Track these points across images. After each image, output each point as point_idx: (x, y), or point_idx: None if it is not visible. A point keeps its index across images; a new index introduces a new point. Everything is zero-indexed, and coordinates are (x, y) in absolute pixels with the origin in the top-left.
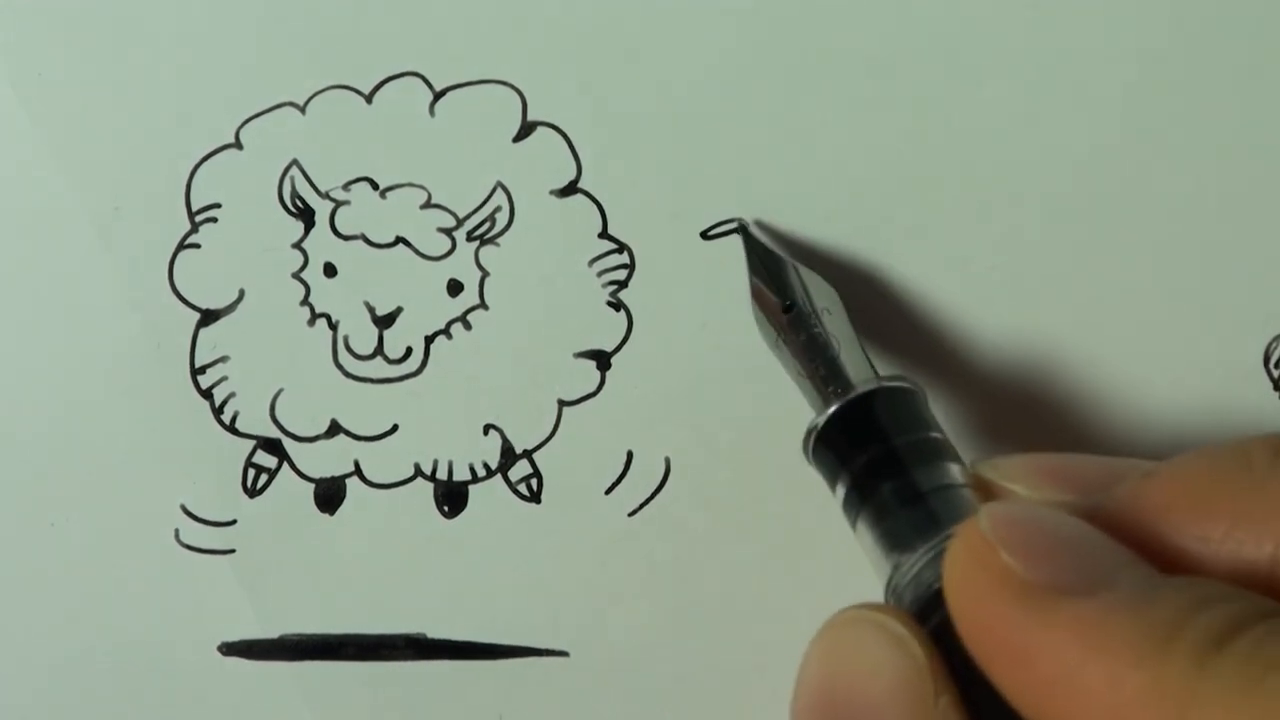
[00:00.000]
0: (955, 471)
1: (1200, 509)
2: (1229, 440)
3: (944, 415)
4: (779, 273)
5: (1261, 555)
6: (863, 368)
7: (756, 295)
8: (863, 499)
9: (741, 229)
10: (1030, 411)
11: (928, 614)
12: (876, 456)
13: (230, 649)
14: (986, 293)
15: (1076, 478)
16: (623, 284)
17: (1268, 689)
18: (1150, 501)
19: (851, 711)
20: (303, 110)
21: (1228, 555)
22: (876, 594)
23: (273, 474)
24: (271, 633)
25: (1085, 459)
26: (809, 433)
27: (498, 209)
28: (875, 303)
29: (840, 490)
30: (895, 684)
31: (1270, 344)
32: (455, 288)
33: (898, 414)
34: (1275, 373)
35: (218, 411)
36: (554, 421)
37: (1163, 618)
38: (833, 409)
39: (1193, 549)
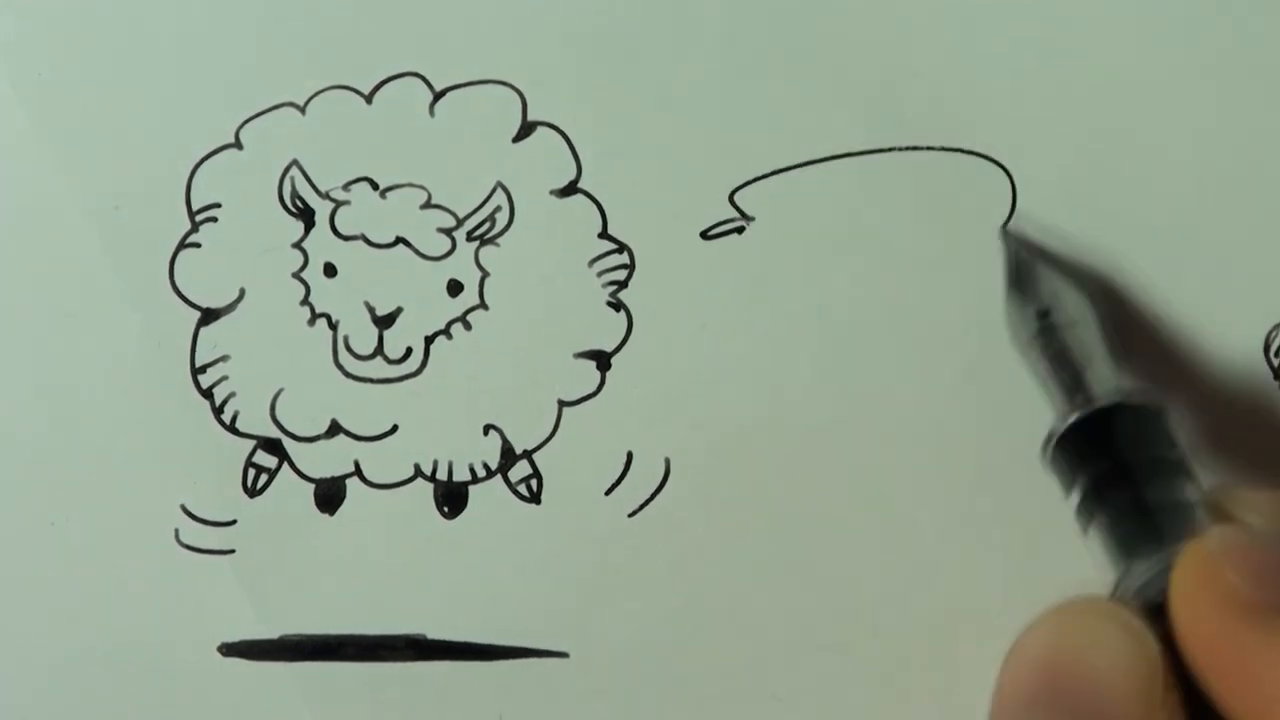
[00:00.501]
0: (1188, 490)
1: None
2: None
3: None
4: (1035, 278)
5: None
6: (1109, 379)
7: (1011, 298)
8: (1096, 507)
9: (1003, 231)
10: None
11: (1155, 620)
12: (1112, 468)
13: (230, 649)
14: (983, 289)
15: None
16: (623, 284)
17: None
18: None
19: (1076, 689)
20: (303, 110)
21: None
22: (874, 592)
23: (273, 474)
24: (271, 633)
25: None
26: (1049, 437)
27: (498, 209)
28: (871, 309)
29: (1075, 496)
30: (1128, 670)
31: (1270, 332)
32: (455, 288)
33: (1138, 429)
34: (1275, 361)
35: (218, 411)
36: (554, 422)
37: None
38: (1073, 419)
39: None
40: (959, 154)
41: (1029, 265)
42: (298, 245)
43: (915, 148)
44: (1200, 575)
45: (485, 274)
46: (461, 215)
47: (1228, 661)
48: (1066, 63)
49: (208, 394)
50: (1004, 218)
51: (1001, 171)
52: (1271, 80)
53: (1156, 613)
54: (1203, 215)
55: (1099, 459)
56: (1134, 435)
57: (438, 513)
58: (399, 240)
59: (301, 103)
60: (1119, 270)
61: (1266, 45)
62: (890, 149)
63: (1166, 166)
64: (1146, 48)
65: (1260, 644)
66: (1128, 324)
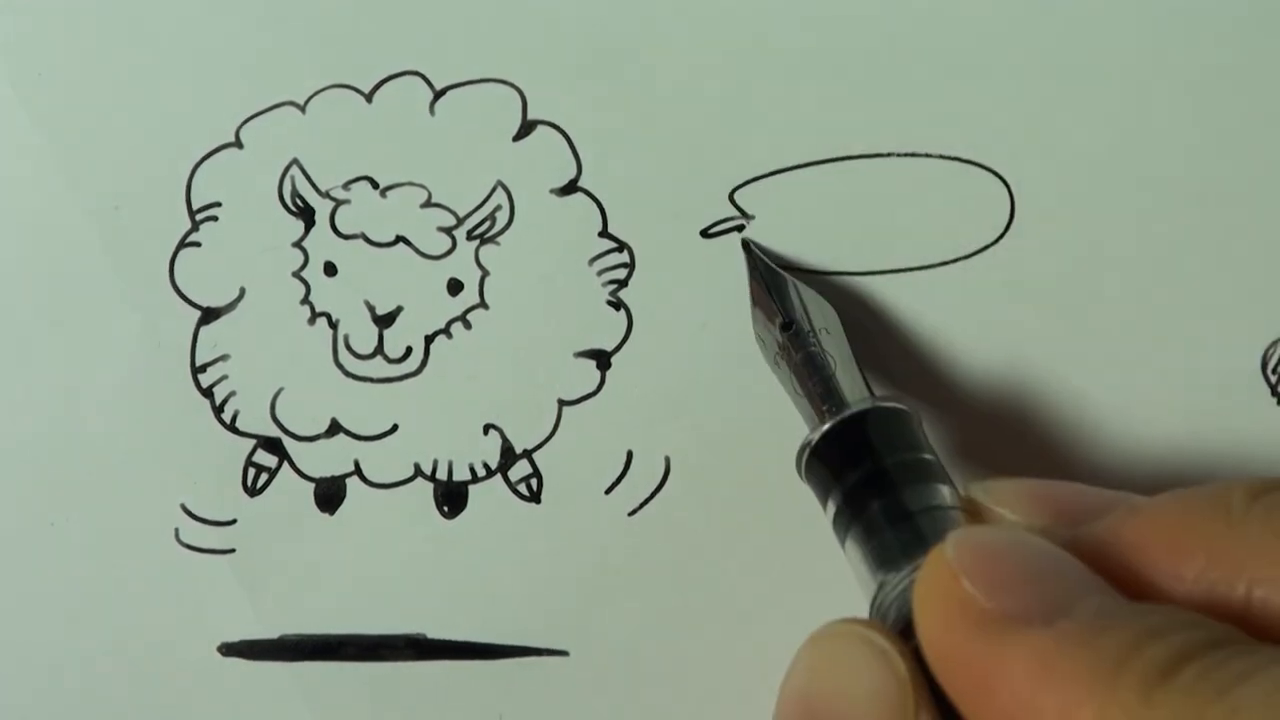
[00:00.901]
0: (945, 493)
1: (1176, 547)
2: (1211, 483)
3: (944, 424)
4: (779, 289)
5: (1234, 595)
6: (858, 387)
7: (756, 311)
8: (852, 517)
9: (744, 244)
10: (1027, 420)
11: (911, 633)
12: (867, 475)
13: (230, 649)
14: (982, 297)
15: (1067, 506)
16: (623, 283)
17: None
18: (1130, 537)
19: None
20: (303, 110)
21: (1201, 594)
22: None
23: (273, 473)
24: (271, 633)
25: (1078, 488)
26: (802, 449)
27: (498, 208)
28: (871, 318)
29: (831, 507)
30: (875, 697)
31: (1268, 350)
32: (455, 287)
33: (890, 434)
34: (1273, 378)
35: (218, 410)
36: (554, 421)
37: (1113, 647)
38: (825, 427)
39: (1167, 586)
40: (957, 162)
41: (772, 276)
42: (298, 244)
43: (914, 154)
44: (939, 587)
45: (485, 273)
46: (462, 214)
47: (967, 674)
48: (1065, 72)
49: (208, 393)
50: (1002, 226)
51: (999, 181)
52: (1270, 94)
53: (913, 625)
54: (1200, 231)
55: (854, 467)
56: (889, 440)
57: (438, 513)
58: (399, 239)
59: (301, 102)
60: (1115, 284)
61: (1265, 59)
62: (890, 154)
63: (1164, 181)
64: (1145, 58)
65: (994, 655)
66: (1122, 336)
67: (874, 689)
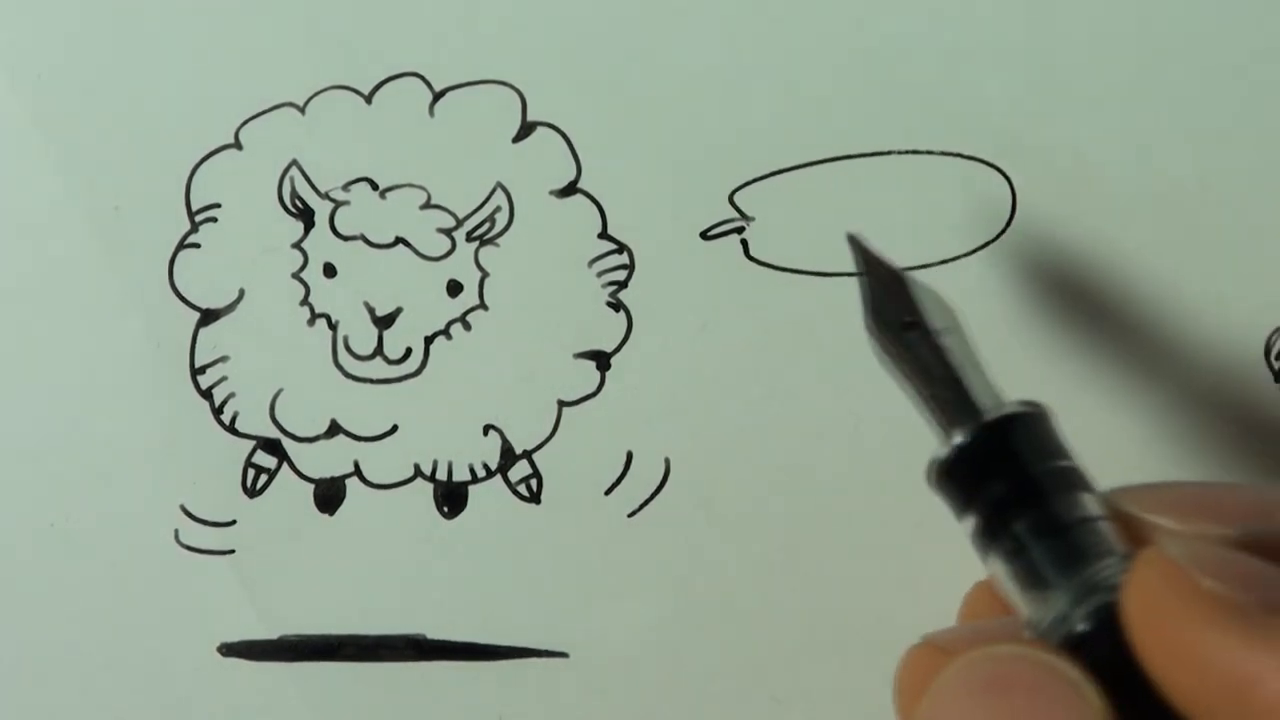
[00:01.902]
0: (1092, 504)
1: None
2: None
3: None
4: (898, 287)
5: None
6: (989, 392)
7: (873, 310)
8: (996, 532)
9: (852, 239)
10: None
11: (1075, 655)
12: (1011, 487)
13: (230, 649)
14: (985, 292)
15: (1222, 508)
16: (623, 284)
17: None
18: None
19: None
20: (303, 110)
21: None
22: (874, 594)
23: (273, 474)
24: (271, 633)
25: (1231, 488)
26: (934, 462)
27: (497, 209)
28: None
29: (970, 522)
30: None
31: (1271, 335)
32: (455, 288)
33: (1032, 441)
34: (1276, 364)
35: (218, 411)
36: (554, 421)
37: None
38: (961, 438)
39: None
40: (958, 158)
41: (889, 274)
42: (297, 245)
43: (915, 151)
44: (1172, 590)
45: (485, 274)
46: (461, 215)
47: (1223, 674)
48: (1065, 67)
49: (207, 394)
50: (1003, 222)
51: (1000, 176)
52: (1271, 83)
53: (1079, 645)
54: (1203, 220)
55: (995, 478)
56: (1031, 448)
57: (438, 513)
58: (399, 240)
59: (301, 103)
60: (1119, 273)
61: (1266, 48)
62: (889, 152)
63: (1165, 170)
64: (1145, 51)
65: (1260, 647)
66: (1126, 329)
67: None
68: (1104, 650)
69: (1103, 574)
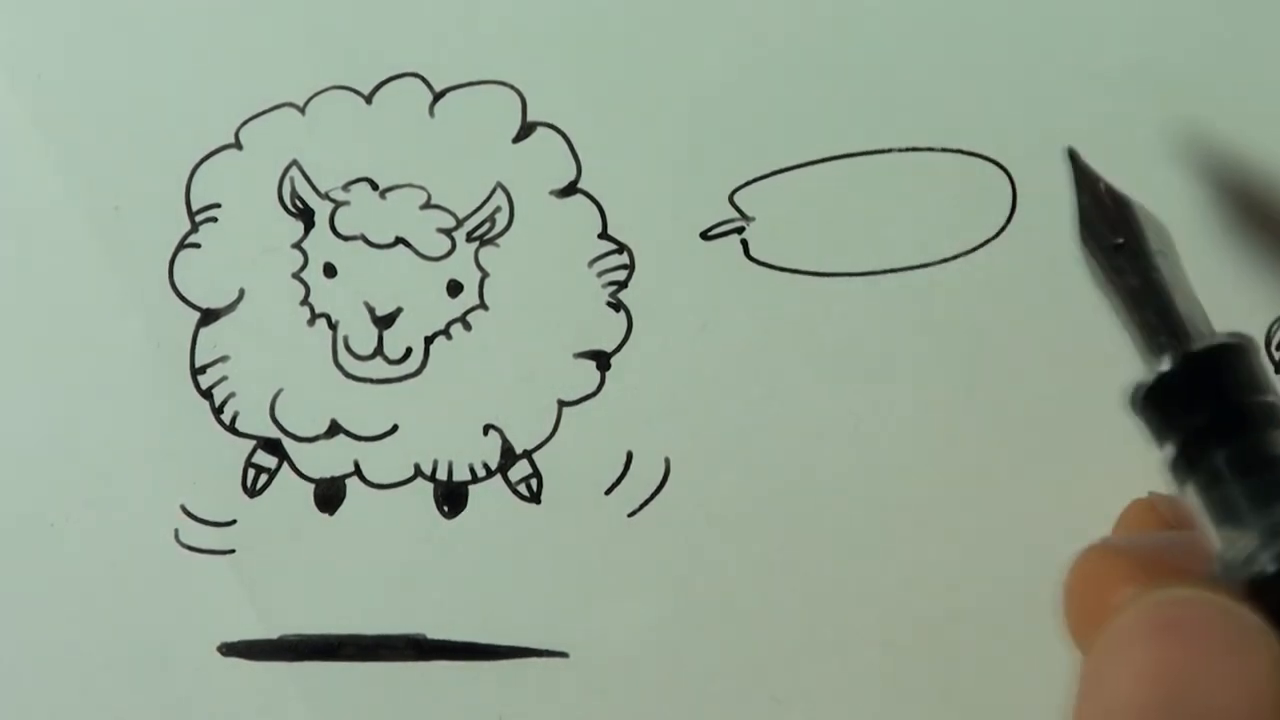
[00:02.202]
0: None
1: None
2: None
3: (952, 426)
4: (1112, 205)
5: None
6: (1199, 319)
7: (1085, 227)
8: (1194, 463)
9: (1071, 154)
10: (1035, 406)
11: (1261, 595)
12: (1215, 418)
13: (230, 649)
14: (986, 289)
15: None
16: (623, 284)
17: None
18: None
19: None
20: (303, 110)
21: None
22: (875, 594)
23: (273, 474)
24: (271, 633)
25: None
26: (1139, 386)
27: (497, 209)
28: (875, 308)
29: (1169, 450)
30: (1258, 687)
31: (1271, 327)
32: (455, 288)
33: (1238, 373)
34: (1277, 356)
35: (218, 411)
36: (554, 421)
37: None
38: (1169, 362)
39: None
40: (959, 155)
41: (1105, 191)
42: (297, 245)
43: (915, 148)
44: None
45: (485, 274)
46: (461, 215)
47: None
48: (1066, 62)
49: (208, 394)
50: (1004, 218)
51: (1001, 172)
52: (1271, 78)
53: (1265, 587)
54: (1203, 211)
55: (1199, 408)
56: (1237, 381)
57: (438, 513)
58: (399, 240)
59: (301, 103)
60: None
61: (1266, 44)
62: (890, 150)
63: (1166, 163)
64: (1145, 46)
65: None
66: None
67: (1256, 679)
68: None
69: None
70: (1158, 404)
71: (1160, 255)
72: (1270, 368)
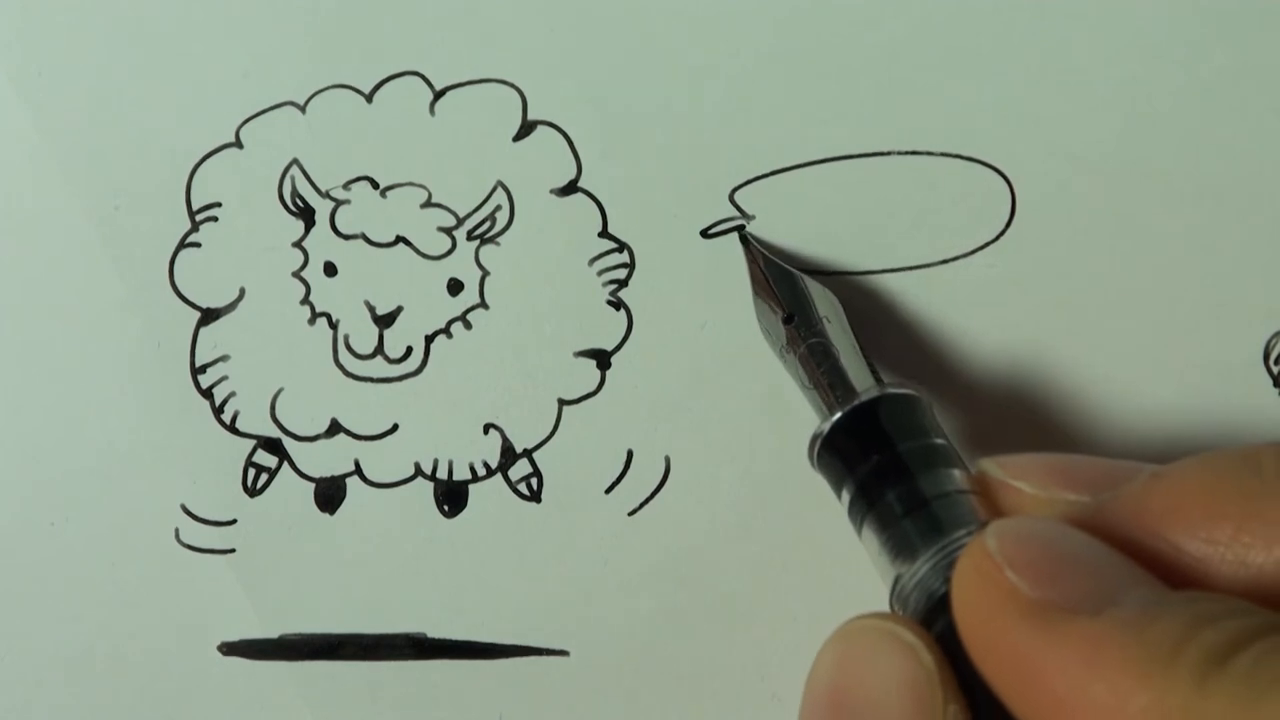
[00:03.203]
0: (958, 478)
1: (1207, 512)
2: (1237, 447)
3: (949, 420)
4: (780, 282)
5: (1269, 560)
6: (865, 375)
7: (759, 304)
8: (867, 506)
9: (742, 237)
10: (1031, 410)
11: (932, 620)
12: (880, 463)
13: (230, 649)
14: (985, 293)
15: (1083, 477)
16: (623, 283)
17: (1267, 708)
18: (1157, 502)
19: (858, 712)
20: (303, 110)
21: (1233, 559)
22: (876, 592)
23: (273, 473)
24: (271, 633)
25: (1091, 460)
26: (814, 440)
27: (498, 208)
28: (873, 316)
29: (845, 497)
30: (905, 690)
31: (1270, 340)
32: (455, 287)
33: (901, 420)
34: (1275, 369)
35: (218, 411)
36: (554, 421)
37: (1166, 635)
38: (836, 417)
39: (1198, 552)
40: (957, 159)
41: (773, 268)
42: (298, 244)
43: (915, 152)
44: (980, 577)
45: (485, 273)
46: (462, 214)
47: (1015, 664)
48: (1065, 68)
49: (208, 394)
50: (1003, 223)
51: (1000, 177)
52: (1269, 87)
53: (937, 609)
54: (1202, 222)
55: (866, 456)
56: (899, 427)
57: (438, 512)
58: (399, 239)
59: (301, 102)
60: (1118, 275)
61: (1264, 52)
62: (889, 152)
63: (1165, 173)
64: (1145, 53)
65: (1045, 643)
66: (1123, 328)
67: (902, 680)
68: (948, 618)
69: (957, 543)
70: (832, 456)
71: (826, 321)
72: (933, 415)
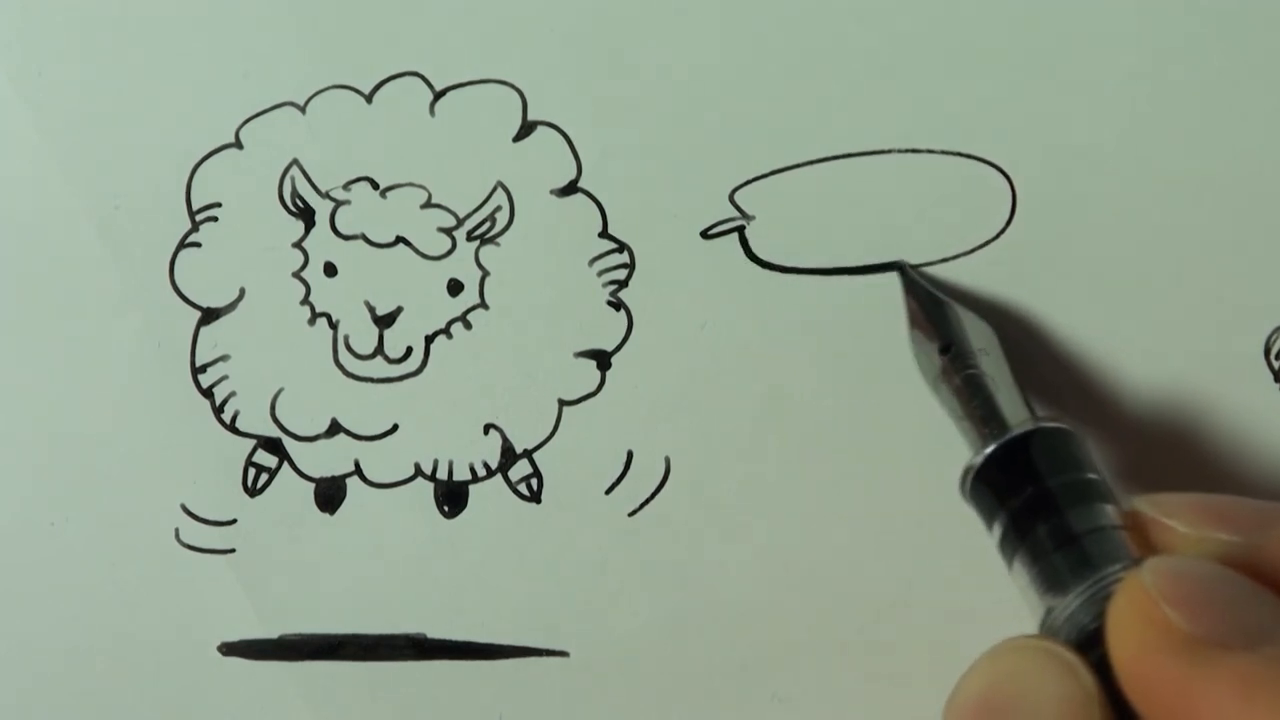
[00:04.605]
0: (1110, 513)
1: None
2: None
3: (937, 426)
4: (937, 313)
5: None
6: (1019, 409)
7: (914, 335)
8: (1019, 539)
9: (900, 268)
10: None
11: (1085, 652)
12: (1032, 498)
13: (230, 649)
14: (985, 291)
15: (1235, 518)
16: (623, 284)
17: None
18: None
19: None
20: (303, 110)
21: None
22: (876, 592)
23: (273, 473)
24: (271, 633)
25: (1243, 501)
26: (966, 472)
27: (498, 208)
28: (873, 316)
29: (997, 530)
30: (1064, 707)
31: (1270, 336)
32: (455, 287)
33: (1054, 455)
34: (1276, 364)
35: (218, 411)
36: (554, 421)
37: None
38: (989, 450)
39: None
40: (958, 157)
41: (929, 299)
42: (298, 245)
43: (915, 150)
44: (1137, 612)
45: (485, 273)
46: (462, 215)
47: (1169, 697)
48: (1066, 66)
49: (208, 393)
50: (1004, 221)
51: (1001, 175)
52: (1270, 83)
53: (1089, 642)
54: (1202, 219)
55: (1018, 489)
56: (1052, 461)
57: (438, 512)
58: (399, 240)
59: (301, 103)
60: (1119, 272)
61: (1265, 49)
62: (890, 151)
63: (1166, 169)
64: (1146, 50)
65: (1200, 677)
66: (1125, 326)
67: (1062, 697)
68: (1098, 652)
69: (1110, 578)
70: (984, 488)
71: (982, 353)
72: (1087, 448)
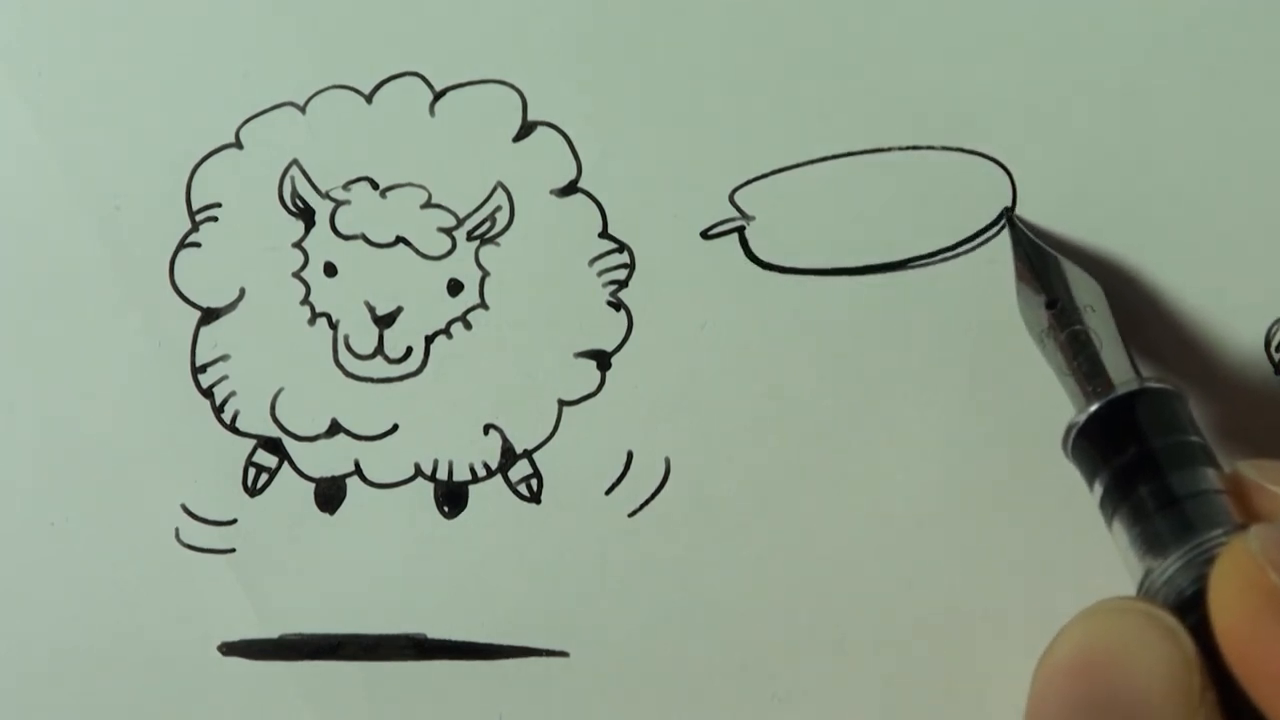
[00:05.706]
0: (1212, 477)
1: None
2: None
3: (961, 420)
4: (1044, 267)
5: None
6: (1125, 367)
7: (1021, 289)
8: (1120, 499)
9: (1009, 219)
10: (1031, 409)
11: (1181, 617)
12: (1135, 458)
13: (230, 649)
14: (985, 290)
15: None
16: (623, 284)
17: None
18: None
19: (1114, 691)
20: (303, 110)
21: None
22: (875, 592)
23: (273, 473)
24: (271, 633)
25: None
26: (1069, 429)
27: (498, 209)
28: (875, 315)
29: (1098, 489)
30: (1165, 670)
31: (1271, 327)
32: (455, 287)
33: (1158, 416)
34: (1276, 356)
35: (218, 410)
36: (554, 421)
37: None
38: (1093, 408)
39: None
40: (959, 153)
41: (1037, 253)
42: (298, 245)
43: (915, 147)
44: (1241, 577)
45: (485, 273)
46: (462, 215)
47: (1272, 664)
48: (1066, 61)
49: (208, 393)
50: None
51: (1002, 170)
52: (1271, 77)
53: (1187, 606)
54: (1203, 212)
55: (1121, 449)
56: (1156, 423)
57: (438, 512)
58: (399, 240)
59: (301, 103)
60: (1120, 267)
61: (1266, 44)
62: (890, 148)
63: (1167, 163)
64: (1146, 45)
65: None
66: (1130, 319)
67: (1162, 658)
68: (1197, 616)
69: (1211, 543)
70: (1087, 446)
71: (1089, 310)
72: (1189, 411)
